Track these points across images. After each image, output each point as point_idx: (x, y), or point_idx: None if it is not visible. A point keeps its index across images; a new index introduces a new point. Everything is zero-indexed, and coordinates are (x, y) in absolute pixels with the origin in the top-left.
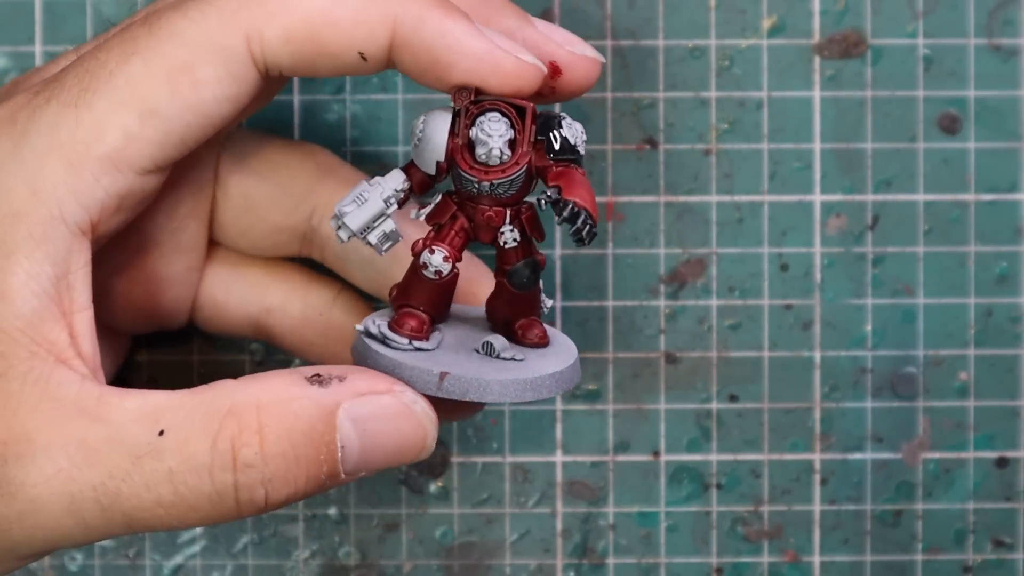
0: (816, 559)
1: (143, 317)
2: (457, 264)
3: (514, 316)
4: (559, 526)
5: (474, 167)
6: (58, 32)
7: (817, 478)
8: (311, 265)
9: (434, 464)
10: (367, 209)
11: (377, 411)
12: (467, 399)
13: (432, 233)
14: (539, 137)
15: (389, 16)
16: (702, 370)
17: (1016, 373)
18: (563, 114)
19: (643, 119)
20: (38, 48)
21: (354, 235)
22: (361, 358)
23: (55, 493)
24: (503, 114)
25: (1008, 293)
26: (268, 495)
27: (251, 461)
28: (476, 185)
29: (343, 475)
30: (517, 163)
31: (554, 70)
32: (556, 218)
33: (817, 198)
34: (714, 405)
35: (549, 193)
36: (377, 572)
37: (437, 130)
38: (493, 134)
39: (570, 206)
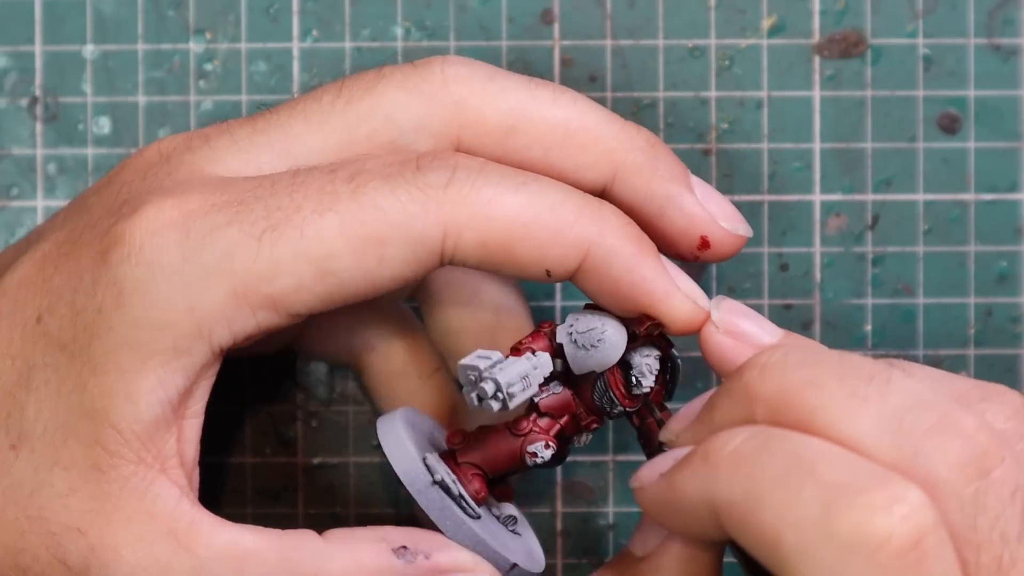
0: None
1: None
2: None
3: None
4: (559, 526)
5: (619, 390)
6: (58, 32)
7: None
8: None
9: None
10: (528, 392)
11: None
12: None
13: (536, 417)
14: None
15: (584, 243)
16: (702, 370)
17: (1016, 373)
18: (677, 353)
19: (643, 119)
20: (38, 48)
21: (504, 409)
22: (440, 515)
23: None
24: (659, 350)
25: (1008, 293)
26: None
27: None
28: (612, 406)
29: None
30: (646, 396)
31: (703, 243)
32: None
33: (817, 198)
34: None
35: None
36: None
37: (614, 349)
38: (654, 373)
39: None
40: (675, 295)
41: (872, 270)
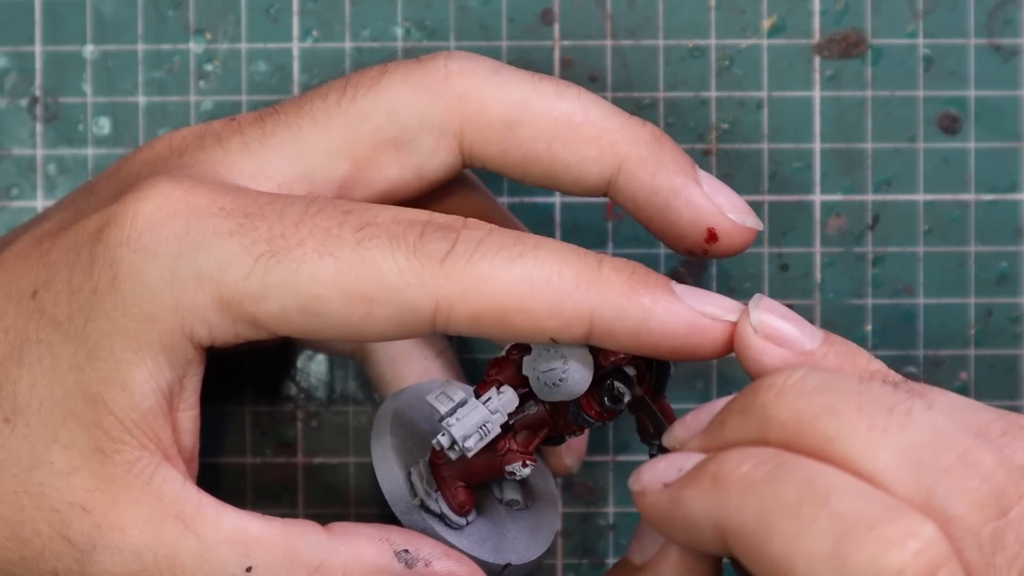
0: None
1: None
2: None
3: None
4: (559, 526)
5: (594, 410)
6: (58, 32)
7: None
8: None
9: None
10: (488, 438)
11: None
12: None
13: (513, 437)
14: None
15: (586, 311)
16: (702, 370)
17: (1016, 373)
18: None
19: (644, 119)
20: (38, 48)
21: (464, 458)
22: (420, 531)
23: None
24: (634, 367)
25: (1008, 293)
26: None
27: None
28: (591, 423)
29: None
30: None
31: (711, 236)
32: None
33: (817, 198)
34: None
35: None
36: None
37: (578, 385)
38: (628, 392)
39: None
40: (699, 323)
41: (872, 270)
